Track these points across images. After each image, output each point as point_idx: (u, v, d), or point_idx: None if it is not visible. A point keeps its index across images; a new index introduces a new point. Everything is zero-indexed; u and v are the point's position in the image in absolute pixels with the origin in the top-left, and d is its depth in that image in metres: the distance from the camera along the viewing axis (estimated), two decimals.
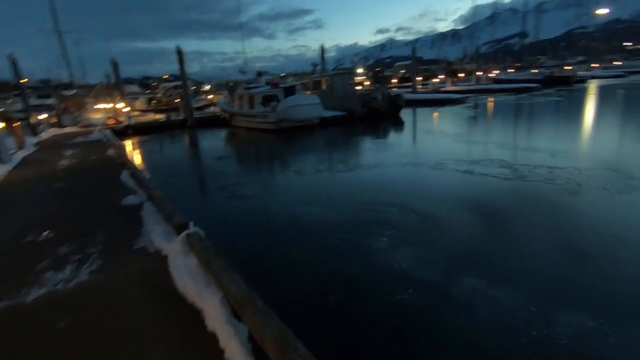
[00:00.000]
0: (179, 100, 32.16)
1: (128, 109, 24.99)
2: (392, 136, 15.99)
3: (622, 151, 9.93)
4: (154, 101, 46.29)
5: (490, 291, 3.83)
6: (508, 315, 3.44)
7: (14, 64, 20.32)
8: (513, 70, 51.43)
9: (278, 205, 7.14)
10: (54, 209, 5.93)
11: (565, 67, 43.52)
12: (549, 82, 35.84)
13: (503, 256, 4.61)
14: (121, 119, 24.83)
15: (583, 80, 38.79)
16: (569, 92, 28.87)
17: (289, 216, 6.48)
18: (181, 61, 22.90)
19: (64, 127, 23.01)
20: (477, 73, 42.75)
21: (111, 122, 24.45)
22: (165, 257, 3.89)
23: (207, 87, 56.59)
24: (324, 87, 24.28)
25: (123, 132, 21.26)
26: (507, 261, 4.47)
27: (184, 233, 3.96)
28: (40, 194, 6.97)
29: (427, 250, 4.85)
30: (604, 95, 25.48)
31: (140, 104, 38.54)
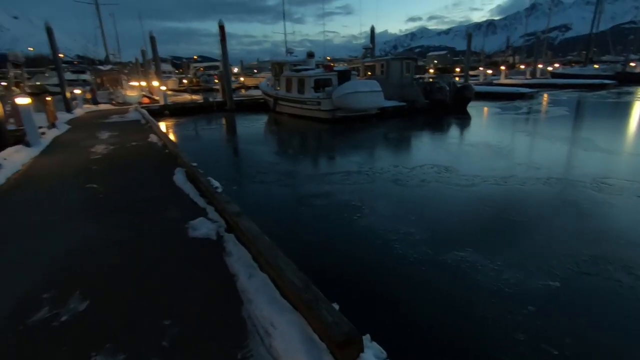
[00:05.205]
0: (217, 81, 30.38)
1: (164, 87, 23.15)
2: (483, 136, 12.90)
3: None
4: (185, 81, 45.15)
5: None
6: None
7: (49, 33, 18.62)
8: (558, 65, 46.96)
9: (411, 246, 4.73)
10: (85, 237, 3.81)
11: (630, 64, 38.57)
12: (623, 78, 31.78)
13: None
14: (156, 97, 23.14)
15: None
16: None
17: (438, 265, 4.13)
18: (223, 38, 20.60)
19: (98, 104, 21.43)
20: (539, 66, 38.67)
21: (145, 100, 22.80)
22: None
23: (235, 70, 55.00)
24: (377, 72, 21.54)
25: (159, 113, 19.38)
26: None
27: None
28: (66, 207, 4.87)
29: None
30: None
31: (172, 83, 37.25)
